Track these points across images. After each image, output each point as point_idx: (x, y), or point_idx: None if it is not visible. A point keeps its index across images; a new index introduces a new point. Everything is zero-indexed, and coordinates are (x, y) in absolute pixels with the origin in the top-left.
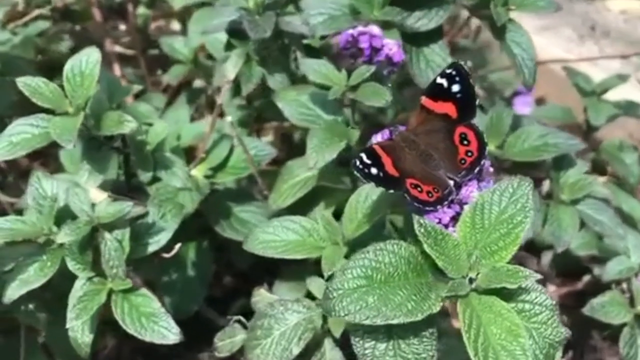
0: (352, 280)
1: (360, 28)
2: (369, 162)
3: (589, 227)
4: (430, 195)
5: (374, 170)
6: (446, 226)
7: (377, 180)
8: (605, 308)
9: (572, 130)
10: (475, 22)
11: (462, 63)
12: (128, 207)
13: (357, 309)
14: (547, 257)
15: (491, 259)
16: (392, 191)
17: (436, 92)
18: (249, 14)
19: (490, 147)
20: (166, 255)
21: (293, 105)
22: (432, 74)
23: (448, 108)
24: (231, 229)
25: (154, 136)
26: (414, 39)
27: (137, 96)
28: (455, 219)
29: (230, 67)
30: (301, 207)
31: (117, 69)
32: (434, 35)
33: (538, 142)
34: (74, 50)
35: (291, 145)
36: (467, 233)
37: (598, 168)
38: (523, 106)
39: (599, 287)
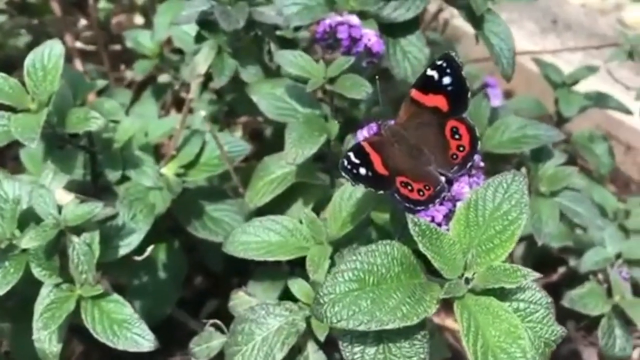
0: (344, 283)
1: (339, 18)
2: (357, 161)
3: (563, 218)
4: (421, 193)
5: (362, 171)
6: (439, 224)
7: (366, 181)
8: (584, 299)
9: (543, 122)
10: (443, 15)
11: (453, 54)
12: (97, 209)
13: (350, 314)
14: (519, 249)
15: (487, 258)
16: (380, 192)
17: (426, 84)
18: (221, 4)
19: None
20: (138, 258)
21: (268, 98)
22: (410, 66)
23: (439, 101)
24: (204, 229)
25: (122, 133)
26: (391, 30)
27: (100, 93)
28: (448, 216)
29: (202, 60)
30: (278, 204)
31: (78, 65)
32: (410, 26)
33: (517, 134)
34: (31, 46)
35: (262, 142)
36: (462, 231)
37: (568, 159)
38: (492, 99)
39: (574, 278)
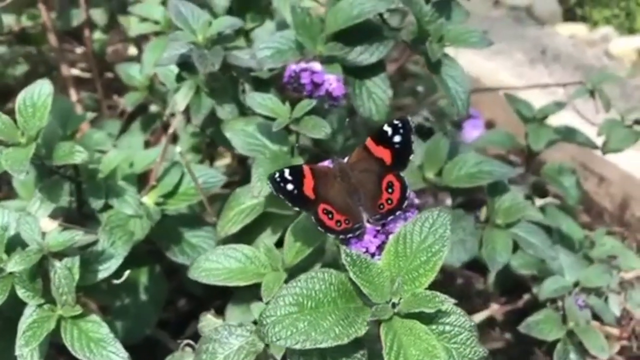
0: (284, 307)
1: (303, 64)
2: (289, 178)
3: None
4: (339, 224)
5: (289, 187)
6: (373, 255)
7: (289, 196)
8: (540, 326)
9: (517, 154)
10: None
11: (409, 119)
12: (77, 236)
13: (288, 334)
14: (492, 276)
15: (412, 285)
16: (299, 210)
17: (380, 137)
18: (198, 48)
19: (429, 175)
20: (116, 282)
21: (240, 135)
22: (374, 105)
23: (385, 154)
24: (182, 254)
25: (107, 164)
26: (357, 72)
27: (93, 120)
28: (381, 248)
29: (181, 99)
30: (248, 233)
31: (73, 93)
32: (375, 68)
33: (473, 170)
34: (29, 74)
35: (247, 169)
36: (391, 261)
37: (540, 190)
38: (473, 129)
39: (537, 305)
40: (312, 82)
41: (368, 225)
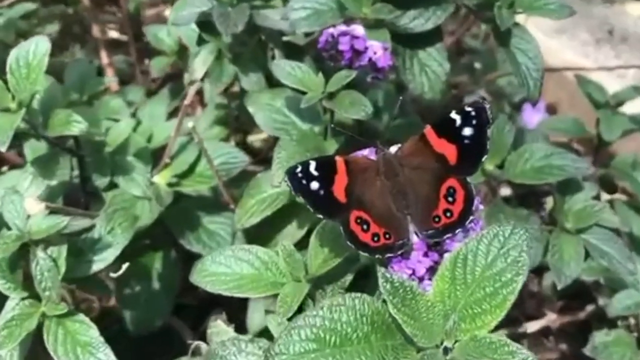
0: (300, 343)
1: (342, 27)
2: (315, 173)
3: None
4: (375, 239)
5: (314, 185)
6: (421, 280)
7: (312, 198)
8: (609, 349)
9: (584, 142)
10: None
11: (487, 105)
12: (64, 222)
13: None
14: (549, 279)
15: (472, 325)
16: (323, 217)
17: (444, 127)
18: (221, 5)
19: (489, 166)
20: (113, 275)
21: (265, 110)
22: (427, 80)
23: (449, 151)
24: (198, 242)
25: (115, 136)
26: (409, 41)
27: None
28: (432, 271)
29: (199, 64)
30: (269, 227)
31: (104, 56)
32: (431, 37)
33: (541, 163)
34: (63, 34)
35: None
36: (445, 290)
37: (607, 184)
38: (533, 113)
39: (603, 318)
40: (353, 49)
41: (416, 239)
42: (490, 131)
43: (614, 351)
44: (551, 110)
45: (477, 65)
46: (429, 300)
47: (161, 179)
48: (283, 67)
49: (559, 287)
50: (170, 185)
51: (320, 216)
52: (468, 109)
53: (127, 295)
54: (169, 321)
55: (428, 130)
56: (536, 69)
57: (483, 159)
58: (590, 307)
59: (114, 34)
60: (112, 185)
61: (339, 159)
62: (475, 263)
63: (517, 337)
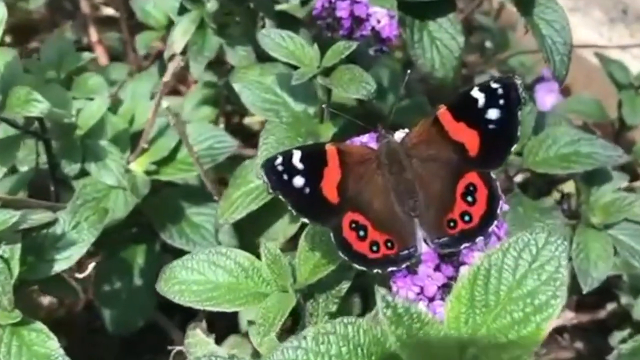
0: None
1: None
2: (299, 166)
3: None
4: (374, 248)
5: (298, 181)
6: (431, 300)
7: (295, 197)
8: (637, 356)
9: (601, 126)
10: None
11: (519, 81)
12: (14, 217)
13: None
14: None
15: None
16: (310, 221)
17: (463, 108)
18: None
19: None
20: (79, 276)
21: (254, 88)
22: (438, 56)
23: (470, 138)
24: (180, 236)
25: (87, 118)
26: (418, 10)
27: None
28: (446, 288)
29: (178, 36)
30: (256, 222)
31: (93, 33)
32: (443, 5)
33: (567, 150)
34: (53, 11)
35: None
36: (462, 315)
37: (628, 172)
38: (546, 94)
39: (625, 319)
40: (353, 16)
41: (425, 249)
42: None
43: None
44: (565, 92)
45: (488, 44)
46: (441, 329)
47: (138, 166)
48: (272, 38)
49: (584, 291)
50: (148, 173)
51: (306, 220)
52: (494, 85)
53: (106, 293)
54: (155, 318)
55: (443, 112)
56: (563, 42)
57: (512, 150)
58: (610, 306)
59: (109, 10)
60: (84, 173)
61: (330, 148)
62: (500, 280)
63: None
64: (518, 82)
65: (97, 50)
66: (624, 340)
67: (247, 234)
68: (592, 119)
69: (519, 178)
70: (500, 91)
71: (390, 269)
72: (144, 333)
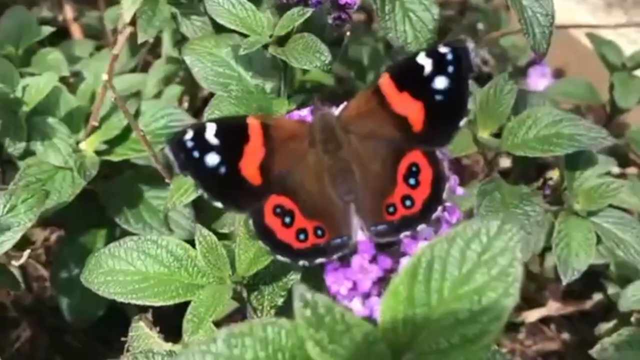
0: None
1: None
2: (213, 141)
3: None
4: (302, 237)
5: (211, 159)
6: (367, 296)
7: (208, 178)
8: (622, 351)
9: (593, 110)
10: None
11: (468, 45)
12: None
13: None
14: (551, 259)
15: None
16: (224, 206)
17: (407, 75)
18: None
19: (484, 134)
20: (15, 263)
21: (206, 61)
22: (411, 29)
23: (414, 111)
24: (137, 221)
25: (34, 94)
26: None
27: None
28: (383, 283)
29: (127, 4)
30: (209, 207)
31: (68, 10)
32: None
33: (548, 131)
34: None
35: None
36: (399, 314)
37: (620, 158)
38: (539, 78)
39: (611, 311)
40: None
41: (361, 237)
42: (485, 89)
43: (628, 355)
44: (558, 75)
45: (480, 25)
46: (371, 332)
47: (88, 145)
48: (221, 4)
49: (564, 282)
50: (98, 153)
51: (219, 205)
52: (443, 49)
53: (63, 280)
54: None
55: (384, 80)
56: (545, 13)
57: (460, 124)
58: (597, 296)
59: None
60: (30, 153)
61: (252, 121)
62: (444, 275)
63: (514, 326)
64: (470, 46)
65: (72, 27)
66: (608, 332)
67: (200, 219)
68: (584, 102)
69: (506, 163)
70: (449, 57)
71: (319, 260)
72: (112, 318)
